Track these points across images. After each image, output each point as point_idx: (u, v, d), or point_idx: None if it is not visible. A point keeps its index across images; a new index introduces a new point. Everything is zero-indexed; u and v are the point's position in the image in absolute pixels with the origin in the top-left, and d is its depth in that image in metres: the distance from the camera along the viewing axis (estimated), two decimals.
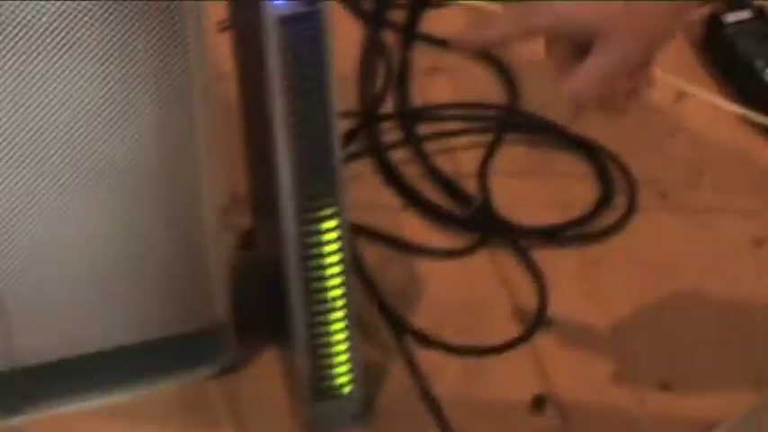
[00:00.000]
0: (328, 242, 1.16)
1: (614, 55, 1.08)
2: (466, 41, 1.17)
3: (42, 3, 1.04)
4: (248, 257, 1.34)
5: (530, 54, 1.45)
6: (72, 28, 1.07)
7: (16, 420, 1.25)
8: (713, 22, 1.52)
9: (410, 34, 1.53)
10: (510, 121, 1.47)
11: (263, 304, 1.29)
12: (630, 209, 1.39)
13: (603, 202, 1.40)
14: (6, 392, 1.23)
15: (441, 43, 1.51)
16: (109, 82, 1.11)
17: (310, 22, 1.08)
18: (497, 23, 1.14)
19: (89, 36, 1.08)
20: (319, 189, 1.14)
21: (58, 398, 1.25)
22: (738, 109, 1.45)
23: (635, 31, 1.07)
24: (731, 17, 1.51)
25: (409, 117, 1.47)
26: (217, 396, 1.26)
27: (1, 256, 1.16)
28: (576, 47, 1.10)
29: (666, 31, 1.09)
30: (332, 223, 1.15)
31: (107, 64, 1.10)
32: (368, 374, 1.24)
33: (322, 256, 1.16)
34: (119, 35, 1.09)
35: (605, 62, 1.08)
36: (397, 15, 1.55)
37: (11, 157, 1.11)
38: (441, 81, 1.50)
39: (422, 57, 1.52)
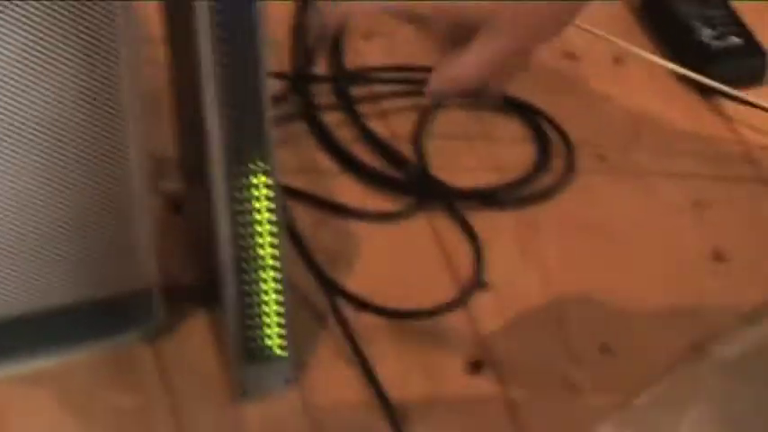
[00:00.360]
0: (258, 202, 1.14)
1: (500, 43, 1.04)
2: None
3: None
4: (177, 221, 1.32)
5: None
6: None
7: None
8: None
9: None
10: None
11: (192, 268, 1.28)
12: (568, 171, 1.38)
13: (540, 165, 1.38)
14: None
15: None
16: (30, 30, 1.08)
17: None
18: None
19: None
20: (249, 149, 1.12)
21: None
22: (677, 69, 1.43)
23: (522, 24, 1.03)
24: None
25: (343, 80, 1.45)
26: (146, 361, 1.23)
27: None
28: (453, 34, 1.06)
29: (555, 27, 1.06)
30: (261, 182, 1.13)
31: (28, 9, 1.07)
32: (300, 337, 1.22)
33: (252, 217, 1.14)
34: None
35: (489, 50, 1.05)
36: None
37: None
38: (375, 44, 1.49)
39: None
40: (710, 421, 0.97)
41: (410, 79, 1.45)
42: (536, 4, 1.01)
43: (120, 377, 1.22)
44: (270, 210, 1.14)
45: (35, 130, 1.12)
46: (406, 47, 1.47)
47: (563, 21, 1.04)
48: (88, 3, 1.08)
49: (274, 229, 1.15)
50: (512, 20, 1.02)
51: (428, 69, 1.43)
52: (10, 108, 1.11)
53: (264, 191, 1.13)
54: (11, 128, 1.12)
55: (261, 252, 1.16)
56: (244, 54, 1.08)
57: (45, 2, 1.07)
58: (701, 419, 0.97)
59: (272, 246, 1.16)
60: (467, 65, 1.06)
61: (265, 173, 1.13)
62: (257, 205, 1.14)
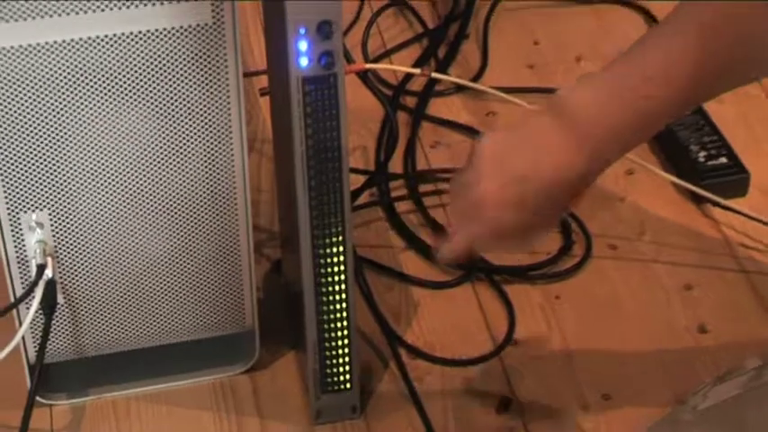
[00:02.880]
0: (336, 267, 1.11)
1: (473, 231, 1.02)
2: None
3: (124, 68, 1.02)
4: (276, 279, 1.29)
5: None
6: (142, 93, 1.05)
7: (82, 402, 1.20)
8: None
9: (419, 114, 1.48)
10: None
11: (284, 316, 1.25)
12: (586, 256, 1.33)
13: (564, 250, 1.34)
14: (74, 378, 1.19)
15: (442, 123, 1.47)
16: (169, 134, 1.08)
17: (326, 82, 1.03)
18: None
19: (157, 99, 1.06)
20: (330, 226, 1.09)
21: (115, 384, 1.20)
22: (676, 180, 1.39)
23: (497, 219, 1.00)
24: None
25: (413, 177, 1.42)
26: (243, 389, 1.21)
27: (85, 270, 1.13)
28: None
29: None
30: (339, 252, 1.10)
31: (169, 119, 1.07)
32: (366, 376, 1.20)
33: (331, 279, 1.11)
34: (178, 102, 1.07)
35: (474, 231, 1.02)
36: (410, 101, 1.50)
37: (103, 189, 1.09)
38: (440, 152, 1.45)
39: (426, 132, 1.47)
40: None
41: None
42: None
43: (223, 402, 1.20)
44: (345, 273, 1.11)
45: (168, 207, 1.12)
46: (463, 154, 1.44)
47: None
48: (208, 114, 1.08)
49: (347, 290, 1.12)
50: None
51: None
52: (157, 189, 1.10)
53: (341, 258, 1.10)
54: (149, 206, 1.11)
55: (336, 306, 1.13)
56: (327, 151, 1.06)
57: (182, 116, 1.07)
58: None
59: (345, 302, 1.12)
60: (456, 244, 1.04)
61: (342, 245, 1.10)
62: (335, 270, 1.11)
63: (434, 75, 1.45)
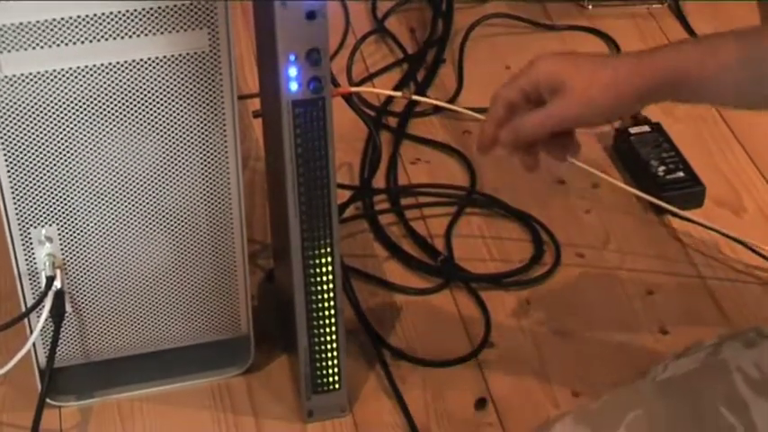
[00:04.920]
0: (325, 276, 1.10)
1: (559, 111, 0.97)
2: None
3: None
4: (269, 288, 1.29)
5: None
6: (145, 116, 1.05)
7: (88, 403, 1.19)
8: (622, 133, 1.46)
9: (400, 134, 1.48)
10: (469, 198, 1.41)
11: (278, 322, 1.24)
12: (555, 264, 1.33)
13: (535, 259, 1.34)
14: (81, 381, 1.18)
15: (422, 141, 1.47)
16: (169, 154, 1.08)
17: (315, 105, 1.03)
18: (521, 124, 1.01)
19: (158, 121, 1.05)
20: (318, 238, 1.09)
21: (120, 387, 1.20)
22: (638, 193, 1.38)
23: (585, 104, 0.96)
24: (634, 130, 1.46)
25: (395, 192, 1.42)
26: (239, 390, 1.20)
27: (92, 282, 1.12)
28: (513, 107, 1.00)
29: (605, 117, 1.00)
30: (327, 262, 1.10)
31: (170, 140, 1.07)
32: (354, 377, 1.19)
33: (320, 287, 1.11)
34: (178, 124, 1.06)
35: (559, 112, 0.97)
36: (392, 121, 1.50)
37: (108, 206, 1.09)
38: (420, 168, 1.45)
39: (407, 150, 1.47)
40: (644, 421, 0.95)
41: (443, 194, 1.41)
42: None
43: (220, 402, 1.19)
44: (333, 282, 1.11)
45: (169, 222, 1.11)
46: (441, 170, 1.44)
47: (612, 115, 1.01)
48: (205, 135, 1.07)
49: (335, 297, 1.12)
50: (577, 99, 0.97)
51: (458, 188, 1.42)
52: (152, 206, 1.10)
53: (330, 267, 1.10)
54: (151, 221, 1.11)
55: (325, 313, 1.12)
56: (315, 165, 1.05)
57: (181, 138, 1.07)
58: (636, 419, 0.94)
59: (333, 308, 1.12)
60: (531, 118, 0.99)
61: (330, 255, 1.10)
62: (324, 278, 1.10)
63: (414, 97, 1.45)
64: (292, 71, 1.01)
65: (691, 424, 0.94)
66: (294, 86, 1.01)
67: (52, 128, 1.04)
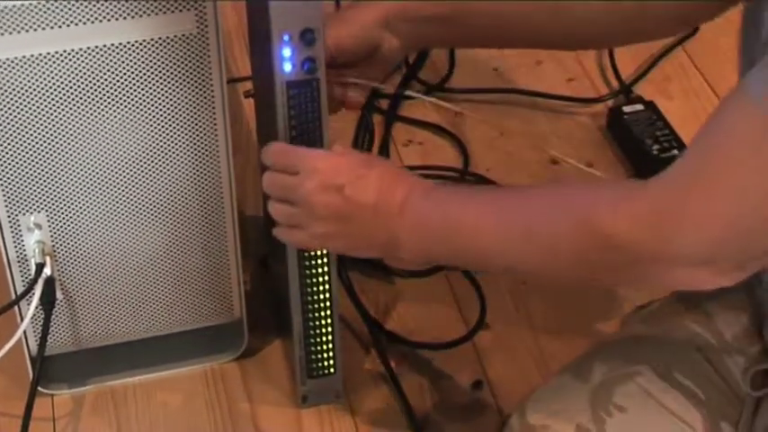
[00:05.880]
0: (319, 260, 1.08)
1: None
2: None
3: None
4: (263, 273, 1.27)
5: (480, 134, 1.43)
6: (132, 100, 1.03)
7: (81, 391, 1.18)
8: (615, 112, 1.45)
9: (392, 115, 1.46)
10: (462, 179, 1.39)
11: (272, 307, 1.22)
12: None
13: None
14: (74, 369, 1.17)
15: (413, 122, 1.45)
16: (158, 138, 1.06)
17: (309, 86, 1.00)
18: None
19: (146, 105, 1.03)
20: None
21: (113, 374, 1.18)
22: (631, 171, 1.37)
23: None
24: (628, 108, 1.44)
25: None
26: (233, 375, 1.19)
27: (82, 268, 1.10)
28: None
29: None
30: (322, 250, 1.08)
31: (158, 124, 1.05)
32: (348, 362, 1.17)
33: (314, 272, 1.09)
34: (166, 108, 1.04)
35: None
36: (383, 103, 1.48)
37: (97, 191, 1.07)
38: (412, 149, 1.43)
39: (399, 132, 1.45)
40: (616, 348, 0.99)
41: (436, 175, 1.39)
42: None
43: (214, 387, 1.18)
44: (327, 266, 1.09)
45: (159, 207, 1.09)
46: (434, 151, 1.42)
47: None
48: (194, 119, 1.05)
49: (330, 281, 1.10)
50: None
51: (451, 168, 1.40)
52: (141, 191, 1.08)
53: (324, 251, 1.08)
54: (141, 206, 1.09)
55: (320, 297, 1.10)
56: (310, 145, 1.02)
57: (168, 121, 1.04)
58: (610, 351, 0.99)
59: (328, 293, 1.10)
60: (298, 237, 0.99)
61: None
62: (318, 262, 1.08)
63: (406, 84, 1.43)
64: (286, 52, 0.98)
65: (661, 340, 0.98)
66: (288, 67, 0.99)
67: (39, 113, 1.01)
